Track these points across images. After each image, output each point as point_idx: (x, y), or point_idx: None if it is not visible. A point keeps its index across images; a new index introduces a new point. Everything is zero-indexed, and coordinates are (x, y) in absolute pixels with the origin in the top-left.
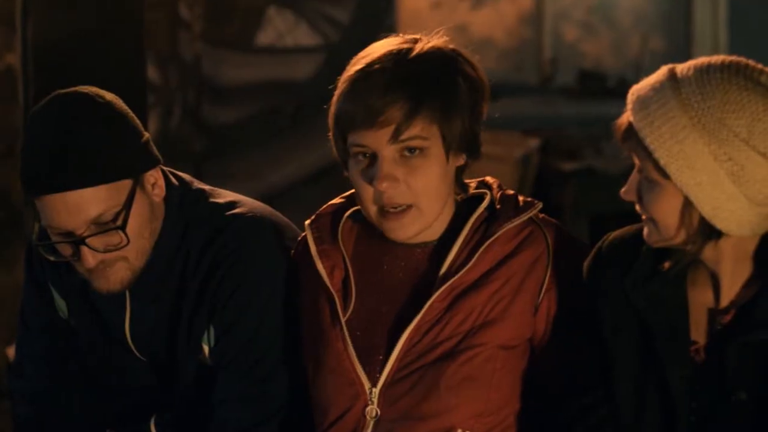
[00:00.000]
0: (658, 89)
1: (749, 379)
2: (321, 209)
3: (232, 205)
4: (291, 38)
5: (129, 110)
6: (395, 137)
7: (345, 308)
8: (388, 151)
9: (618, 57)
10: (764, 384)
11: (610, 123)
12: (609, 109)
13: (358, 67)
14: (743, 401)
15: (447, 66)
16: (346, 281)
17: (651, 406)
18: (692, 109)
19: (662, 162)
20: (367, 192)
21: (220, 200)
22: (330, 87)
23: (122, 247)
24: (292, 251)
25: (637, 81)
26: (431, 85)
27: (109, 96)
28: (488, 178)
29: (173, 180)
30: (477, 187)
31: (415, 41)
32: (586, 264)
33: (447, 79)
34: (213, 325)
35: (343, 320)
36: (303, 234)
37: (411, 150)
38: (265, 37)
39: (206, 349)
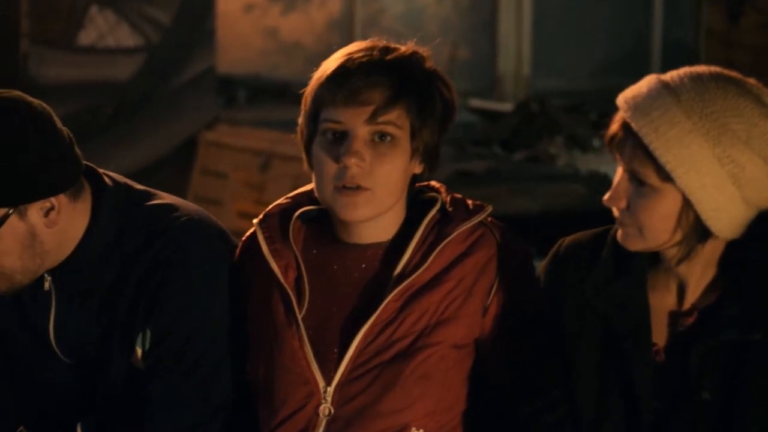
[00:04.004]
0: (655, 97)
1: (712, 379)
2: (268, 209)
3: (171, 207)
4: (112, 38)
5: (29, 135)
6: (373, 118)
7: (299, 307)
8: (362, 131)
9: None
10: (727, 384)
11: None
12: None
13: (343, 53)
14: (707, 401)
15: (427, 75)
16: (298, 281)
17: (613, 406)
18: (695, 114)
19: (669, 166)
20: (330, 169)
21: (159, 202)
22: (149, 87)
23: None
24: (237, 252)
25: None
26: (413, 80)
27: (7, 116)
28: (434, 183)
29: (108, 182)
30: (424, 191)
31: (398, 45)
32: (542, 267)
33: (427, 85)
34: (149, 327)
35: (299, 318)
36: (248, 234)
37: (382, 136)
38: (86, 37)
39: (139, 351)
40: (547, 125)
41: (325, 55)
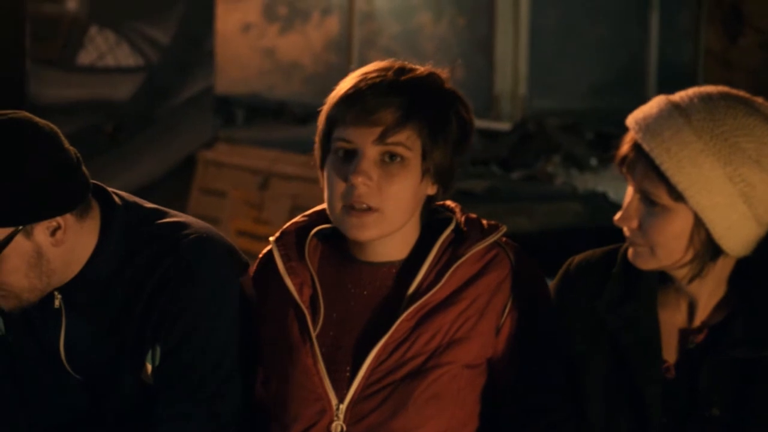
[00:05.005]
0: (666, 117)
1: (722, 396)
2: (285, 226)
3: (181, 225)
4: (112, 58)
5: (35, 155)
6: (382, 138)
7: (314, 325)
8: (371, 151)
9: None
10: (736, 400)
11: None
12: None
13: (358, 74)
14: (716, 417)
15: (444, 96)
16: (313, 298)
17: (623, 423)
18: (706, 134)
19: (681, 186)
20: (338, 187)
21: (168, 220)
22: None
23: None
24: (252, 268)
25: None
26: (426, 102)
27: (14, 136)
28: (449, 202)
29: (117, 200)
30: (439, 211)
31: (416, 66)
32: (553, 286)
33: (441, 106)
34: (159, 344)
35: (314, 336)
36: (264, 251)
37: (392, 157)
38: (86, 57)
39: (149, 367)
40: (545, 145)
41: (323, 75)
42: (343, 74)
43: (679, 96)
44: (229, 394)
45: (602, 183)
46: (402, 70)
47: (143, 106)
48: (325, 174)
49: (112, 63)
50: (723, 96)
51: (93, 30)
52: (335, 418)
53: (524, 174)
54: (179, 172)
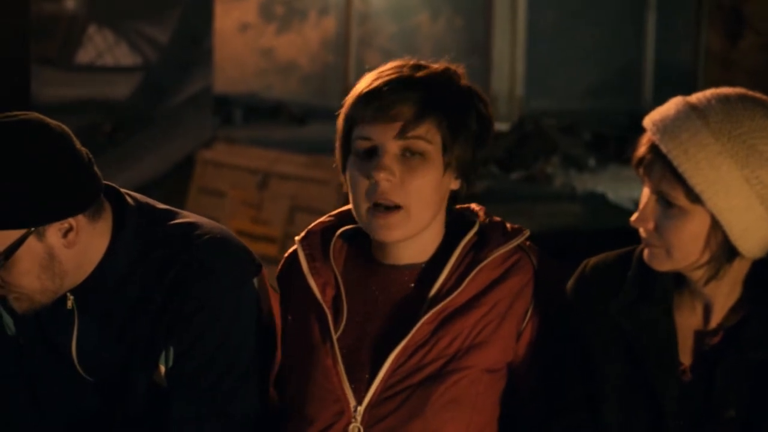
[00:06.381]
0: (683, 119)
1: (738, 397)
2: (311, 226)
3: (194, 226)
4: (110, 57)
5: (46, 156)
6: (402, 133)
7: (336, 326)
8: (391, 146)
9: None
10: (752, 402)
11: None
12: None
13: (375, 73)
14: (733, 419)
15: (461, 91)
16: (336, 299)
17: (639, 425)
18: (723, 136)
19: (698, 188)
20: (362, 186)
21: (181, 221)
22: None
23: (1, 287)
24: (279, 266)
25: None
26: (443, 96)
27: (25, 138)
28: (473, 205)
29: (129, 201)
30: (463, 213)
31: (431, 63)
32: (569, 288)
33: (459, 100)
34: (172, 345)
35: (334, 337)
36: (290, 251)
37: (412, 152)
38: (85, 56)
39: (163, 369)
40: (543, 145)
41: (320, 74)
42: (340, 74)
43: (696, 97)
44: (243, 396)
45: (601, 184)
46: (418, 67)
47: (142, 105)
48: (348, 175)
49: (110, 62)
50: (741, 98)
51: (92, 29)
52: (353, 420)
53: (523, 175)
54: (178, 172)
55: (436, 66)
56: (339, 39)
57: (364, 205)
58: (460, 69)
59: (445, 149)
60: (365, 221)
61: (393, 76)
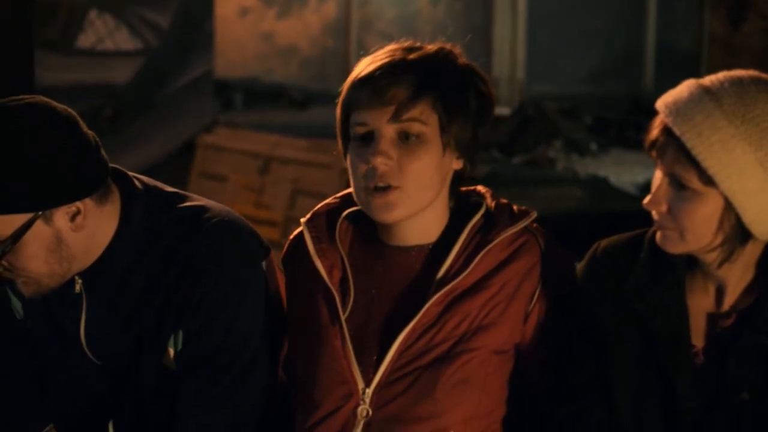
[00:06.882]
0: (696, 101)
1: (751, 380)
2: (316, 208)
3: (202, 209)
4: (111, 42)
5: (53, 140)
6: (396, 116)
7: (343, 308)
8: (387, 130)
9: None
10: (765, 385)
11: None
12: None
13: (369, 58)
14: (746, 402)
15: (457, 70)
16: (343, 281)
17: (652, 408)
18: (737, 119)
19: (712, 171)
20: (360, 170)
21: (189, 204)
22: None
23: (9, 270)
24: (284, 249)
25: None
26: (437, 76)
27: (32, 121)
28: (480, 187)
29: (137, 185)
30: (469, 195)
31: (426, 45)
32: (579, 270)
33: (454, 80)
34: (181, 328)
35: (343, 318)
36: (295, 233)
37: (409, 135)
38: (85, 40)
39: (172, 352)
40: (545, 129)
41: (320, 59)
42: (341, 58)
43: (709, 80)
44: (252, 379)
45: (603, 168)
46: (411, 49)
47: (142, 90)
48: (348, 160)
49: (111, 47)
50: (754, 80)
51: (92, 14)
52: (361, 402)
53: (525, 159)
54: (179, 156)
55: (431, 47)
56: (339, 23)
57: (363, 189)
58: (456, 48)
59: (443, 129)
60: (364, 204)
61: (386, 60)
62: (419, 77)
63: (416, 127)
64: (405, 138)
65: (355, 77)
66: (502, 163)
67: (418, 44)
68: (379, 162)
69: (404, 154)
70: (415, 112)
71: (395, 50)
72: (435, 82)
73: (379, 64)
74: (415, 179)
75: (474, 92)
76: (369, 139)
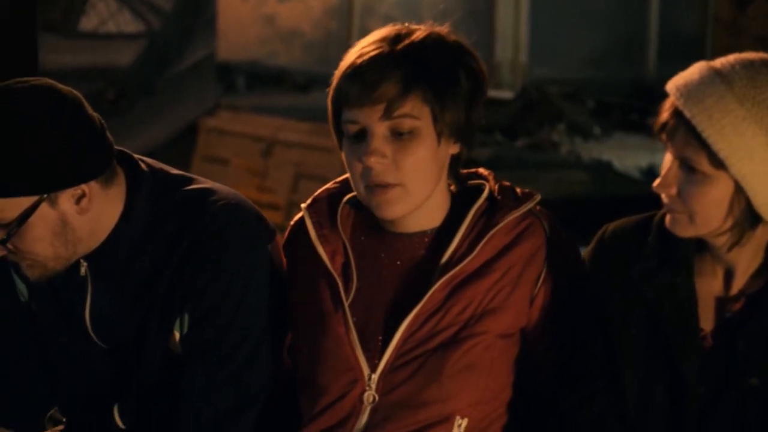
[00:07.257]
0: (707, 84)
1: (760, 365)
2: (316, 193)
3: (208, 192)
4: (114, 24)
5: (59, 122)
6: (387, 114)
7: (346, 294)
8: (379, 128)
9: None
10: None
11: None
12: None
13: (357, 48)
14: (754, 387)
15: (447, 53)
16: (345, 267)
17: (659, 392)
18: (748, 101)
19: (722, 154)
20: (357, 169)
21: (195, 187)
22: (151, 73)
23: (14, 253)
24: (285, 234)
25: None
26: (426, 66)
27: (37, 103)
28: (482, 170)
29: (143, 167)
30: (471, 178)
31: (414, 29)
32: (587, 254)
33: (445, 64)
34: (187, 312)
35: (346, 304)
36: (296, 219)
37: (401, 131)
38: (87, 23)
39: (177, 335)
40: (548, 113)
41: (323, 42)
42: (343, 41)
43: (720, 62)
44: (258, 363)
45: (606, 152)
46: (398, 38)
47: (145, 72)
48: (344, 156)
49: (113, 29)
50: (765, 63)
51: None
52: (367, 388)
53: (528, 142)
54: (181, 140)
55: (419, 33)
56: (342, 6)
57: (362, 186)
58: (444, 29)
59: (436, 120)
60: (366, 200)
61: (374, 52)
62: (408, 71)
63: (408, 123)
64: (398, 134)
65: (343, 71)
66: (504, 147)
67: (405, 30)
68: (374, 161)
69: (398, 151)
70: (405, 108)
71: (383, 41)
72: (425, 73)
73: (366, 57)
74: (413, 174)
75: (465, 72)
76: (362, 137)
